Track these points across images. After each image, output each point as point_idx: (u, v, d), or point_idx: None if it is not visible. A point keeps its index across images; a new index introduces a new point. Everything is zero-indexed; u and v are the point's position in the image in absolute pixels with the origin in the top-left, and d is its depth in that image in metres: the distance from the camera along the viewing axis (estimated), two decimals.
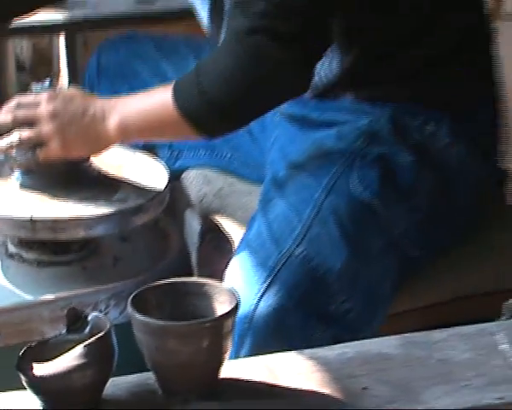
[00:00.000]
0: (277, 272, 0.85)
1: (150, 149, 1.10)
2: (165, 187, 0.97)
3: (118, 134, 0.91)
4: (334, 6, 0.89)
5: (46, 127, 0.90)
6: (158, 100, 0.91)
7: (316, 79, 0.91)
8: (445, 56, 0.95)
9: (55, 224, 0.90)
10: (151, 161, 1.04)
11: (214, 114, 0.87)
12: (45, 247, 0.94)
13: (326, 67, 0.94)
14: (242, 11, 0.85)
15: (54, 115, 0.90)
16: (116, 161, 1.02)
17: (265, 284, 0.84)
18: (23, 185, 0.96)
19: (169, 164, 1.06)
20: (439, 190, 0.94)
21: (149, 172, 1.01)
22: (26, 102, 0.93)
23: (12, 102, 0.93)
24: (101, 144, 0.93)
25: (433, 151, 0.94)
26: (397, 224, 0.91)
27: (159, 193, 0.96)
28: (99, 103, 0.92)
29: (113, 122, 0.90)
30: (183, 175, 1.17)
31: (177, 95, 0.87)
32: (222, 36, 0.96)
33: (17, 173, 0.97)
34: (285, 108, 0.97)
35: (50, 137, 0.90)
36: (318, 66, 0.90)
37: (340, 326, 0.86)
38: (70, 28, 1.54)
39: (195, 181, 1.15)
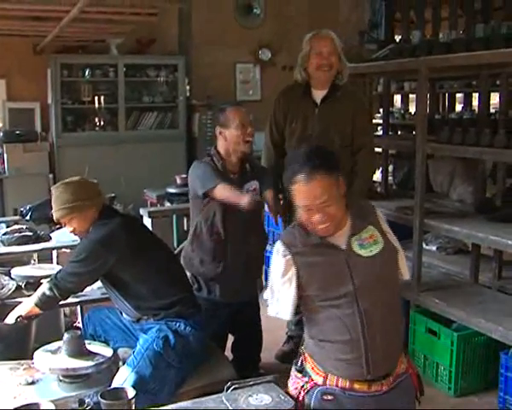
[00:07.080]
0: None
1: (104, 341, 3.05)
2: (112, 355, 2.86)
3: None
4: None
5: None
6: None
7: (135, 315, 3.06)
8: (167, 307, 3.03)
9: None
10: (105, 347, 2.93)
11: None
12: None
13: (129, 312, 3.09)
14: (54, 285, 2.96)
15: None
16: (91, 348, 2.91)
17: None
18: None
19: (110, 346, 2.97)
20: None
21: (104, 350, 2.88)
22: None
23: None
24: None
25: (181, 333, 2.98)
26: (170, 360, 2.88)
27: (111, 357, 2.84)
28: None
29: None
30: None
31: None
32: None
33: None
34: (137, 328, 3.07)
35: None
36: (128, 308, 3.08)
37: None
38: None
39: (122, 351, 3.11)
